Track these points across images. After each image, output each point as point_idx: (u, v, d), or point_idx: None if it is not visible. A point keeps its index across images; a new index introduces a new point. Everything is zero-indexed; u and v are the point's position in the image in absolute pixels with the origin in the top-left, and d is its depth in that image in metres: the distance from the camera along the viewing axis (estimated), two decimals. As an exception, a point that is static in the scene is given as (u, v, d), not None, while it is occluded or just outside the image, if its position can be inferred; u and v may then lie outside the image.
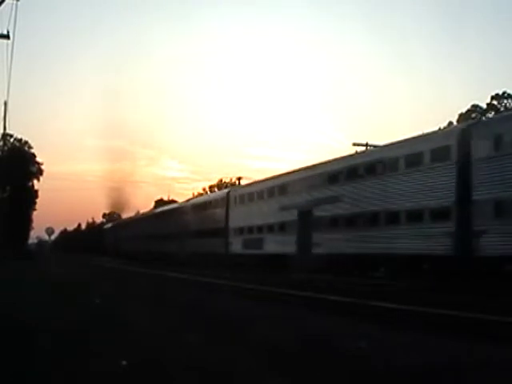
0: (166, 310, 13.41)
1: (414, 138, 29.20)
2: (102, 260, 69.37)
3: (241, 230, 43.90)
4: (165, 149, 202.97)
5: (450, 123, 58.05)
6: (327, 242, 32.23)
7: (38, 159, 78.91)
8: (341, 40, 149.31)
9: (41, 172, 79.02)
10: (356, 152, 40.53)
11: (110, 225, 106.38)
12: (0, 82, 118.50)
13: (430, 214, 25.41)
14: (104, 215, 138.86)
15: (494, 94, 61.83)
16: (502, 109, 58.72)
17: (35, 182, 78.99)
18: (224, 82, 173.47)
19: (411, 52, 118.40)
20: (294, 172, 39.61)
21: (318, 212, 34.06)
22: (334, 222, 32.42)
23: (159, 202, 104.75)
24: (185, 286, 24.32)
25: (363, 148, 43.81)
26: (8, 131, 60.82)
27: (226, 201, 47.38)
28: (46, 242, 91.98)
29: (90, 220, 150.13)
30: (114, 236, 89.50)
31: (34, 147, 79.04)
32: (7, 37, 26.06)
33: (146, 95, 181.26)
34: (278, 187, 40.03)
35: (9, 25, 34.70)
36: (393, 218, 27.76)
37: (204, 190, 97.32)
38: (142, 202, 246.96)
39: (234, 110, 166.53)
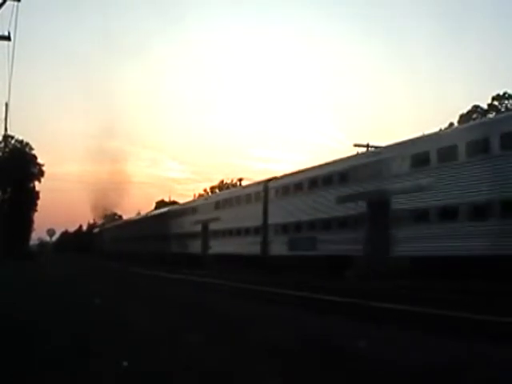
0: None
1: None
2: (102, 261, 69.63)
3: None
4: (166, 150, 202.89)
5: (451, 124, 58.05)
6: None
7: (39, 160, 79.10)
8: (342, 41, 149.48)
9: (42, 173, 79.10)
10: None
11: (97, 229, 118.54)
12: (1, 83, 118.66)
13: None
14: (104, 216, 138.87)
15: (494, 94, 61.93)
16: (502, 109, 58.69)
17: (36, 183, 79.19)
18: (225, 82, 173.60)
19: (412, 52, 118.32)
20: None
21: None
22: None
23: (160, 203, 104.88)
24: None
25: (364, 149, 43.64)
26: (9, 133, 60.68)
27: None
28: (46, 243, 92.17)
29: (92, 221, 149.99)
30: (100, 239, 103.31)
31: (35, 148, 79.28)
32: (8, 38, 26.06)
33: (147, 96, 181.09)
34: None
35: (10, 26, 34.63)
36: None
37: (205, 190, 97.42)
38: (143, 203, 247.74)
39: (235, 110, 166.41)
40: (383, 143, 36.47)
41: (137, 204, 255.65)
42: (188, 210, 57.87)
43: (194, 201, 67.16)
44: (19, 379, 6.25)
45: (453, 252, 22.89)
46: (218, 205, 48.88)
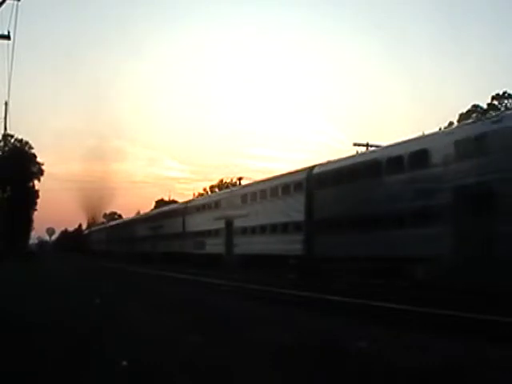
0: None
1: None
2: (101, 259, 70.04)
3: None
4: (165, 149, 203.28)
5: (451, 123, 58.03)
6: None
7: (39, 159, 79.07)
8: (341, 40, 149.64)
9: (41, 172, 79.10)
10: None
11: (87, 231, 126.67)
12: (0, 82, 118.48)
13: None
14: (105, 215, 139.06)
15: (494, 93, 61.95)
16: (502, 108, 58.69)
17: (36, 182, 79.21)
18: (225, 82, 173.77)
19: (412, 52, 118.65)
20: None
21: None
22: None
23: (160, 202, 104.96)
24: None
25: (364, 148, 43.49)
26: (9, 131, 60.84)
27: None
28: (46, 242, 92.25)
29: (91, 220, 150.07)
30: (88, 239, 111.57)
31: (35, 148, 79.25)
32: (8, 37, 26.02)
33: (146, 95, 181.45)
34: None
35: (9, 25, 34.56)
36: None
37: (204, 190, 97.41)
38: (142, 203, 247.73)
39: (234, 110, 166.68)
40: (383, 142, 36.17)
41: (136, 203, 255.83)
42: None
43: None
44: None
45: (262, 251, 36.38)
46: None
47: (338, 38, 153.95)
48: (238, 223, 41.33)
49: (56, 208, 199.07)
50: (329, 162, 33.06)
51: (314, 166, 33.85)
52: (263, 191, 39.11)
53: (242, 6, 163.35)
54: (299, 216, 33.18)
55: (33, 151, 78.27)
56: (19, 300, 15.11)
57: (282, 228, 35.17)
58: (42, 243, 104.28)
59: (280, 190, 36.62)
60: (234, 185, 72.75)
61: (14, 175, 64.03)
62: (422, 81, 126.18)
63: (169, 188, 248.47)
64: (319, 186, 31.90)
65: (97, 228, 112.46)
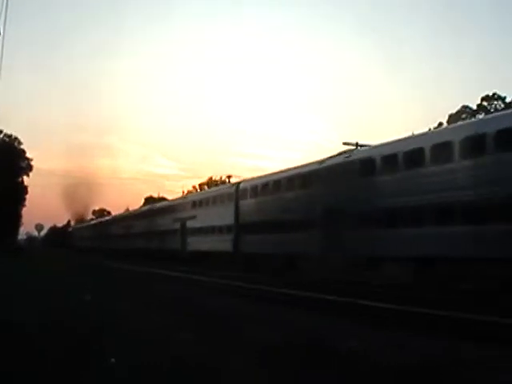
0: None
1: None
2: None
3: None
4: (155, 146, 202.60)
5: (440, 124, 58.28)
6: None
7: (28, 155, 78.71)
8: (332, 40, 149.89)
9: (30, 168, 78.75)
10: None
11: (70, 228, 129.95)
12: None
13: None
14: (94, 211, 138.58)
15: (484, 95, 62.25)
16: (491, 110, 59.00)
17: (25, 177, 78.82)
18: (215, 79, 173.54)
19: (402, 52, 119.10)
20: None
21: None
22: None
23: (149, 199, 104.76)
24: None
25: (353, 147, 43.48)
26: (-2, 127, 60.50)
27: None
28: (35, 237, 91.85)
29: (79, 217, 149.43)
30: (73, 235, 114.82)
31: (24, 143, 78.79)
32: (-3, 32, 25.81)
33: (137, 93, 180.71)
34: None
35: (-1, 20, 34.26)
36: None
37: (194, 187, 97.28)
38: (132, 199, 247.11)
39: (225, 107, 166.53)
40: (373, 142, 36.42)
41: (126, 200, 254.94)
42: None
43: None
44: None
45: (205, 249, 42.71)
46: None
47: (331, 38, 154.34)
48: (189, 225, 48.34)
49: (45, 204, 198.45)
50: (252, 179, 40.56)
51: (241, 182, 42.22)
52: (207, 199, 47.33)
53: (236, 5, 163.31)
54: (230, 220, 40.06)
55: (22, 147, 78.00)
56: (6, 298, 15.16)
57: (219, 230, 42.32)
58: (30, 239, 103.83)
59: (219, 199, 44.27)
60: (224, 182, 72.72)
61: (3, 171, 63.74)
62: (413, 81, 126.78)
63: (158, 185, 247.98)
64: (243, 197, 39.13)
65: (79, 226, 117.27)
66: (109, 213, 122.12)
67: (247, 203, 38.24)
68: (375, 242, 24.47)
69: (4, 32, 26.56)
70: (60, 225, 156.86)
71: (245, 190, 39.06)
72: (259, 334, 9.18)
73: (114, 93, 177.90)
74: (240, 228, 38.28)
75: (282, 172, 35.92)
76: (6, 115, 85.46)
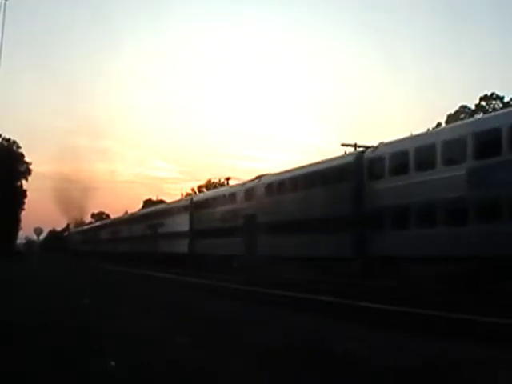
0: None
1: None
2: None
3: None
4: (154, 149, 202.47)
5: (439, 124, 58.26)
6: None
7: (27, 159, 78.53)
8: (330, 41, 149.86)
9: (29, 172, 78.61)
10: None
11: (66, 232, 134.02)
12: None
13: None
14: (93, 215, 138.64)
15: (482, 94, 62.24)
16: (490, 110, 59.00)
17: (23, 181, 78.69)
18: (213, 82, 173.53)
19: (400, 53, 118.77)
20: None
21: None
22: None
23: (147, 202, 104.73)
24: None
25: (352, 149, 43.54)
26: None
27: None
28: (33, 241, 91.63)
29: (78, 221, 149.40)
30: (69, 239, 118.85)
31: (23, 147, 78.60)
32: (-6, 36, 25.82)
33: (135, 96, 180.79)
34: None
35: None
36: None
37: (192, 190, 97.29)
38: (130, 202, 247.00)
39: (223, 110, 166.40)
40: (371, 143, 36.52)
41: (125, 203, 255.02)
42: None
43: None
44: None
45: (170, 251, 50.96)
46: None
47: (329, 39, 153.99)
48: (160, 230, 56.24)
49: (44, 207, 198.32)
50: (204, 193, 53.82)
51: (193, 196, 53.01)
52: (172, 209, 56.22)
53: (233, 5, 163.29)
54: (187, 227, 49.02)
55: (20, 151, 77.86)
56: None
57: (179, 235, 50.22)
58: (29, 243, 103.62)
59: (180, 210, 52.90)
60: (222, 185, 72.73)
61: (1, 175, 63.67)
62: (411, 81, 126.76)
63: (157, 188, 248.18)
64: (196, 208, 48.56)
65: (74, 230, 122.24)
66: (108, 216, 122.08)
67: (198, 214, 47.57)
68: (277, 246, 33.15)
69: (2, 35, 26.55)
70: (59, 228, 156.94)
71: (196, 202, 49.98)
72: (252, 333, 9.13)
73: (112, 96, 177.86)
74: (193, 234, 47.29)
75: (219, 190, 50.33)
76: (4, 119, 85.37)
